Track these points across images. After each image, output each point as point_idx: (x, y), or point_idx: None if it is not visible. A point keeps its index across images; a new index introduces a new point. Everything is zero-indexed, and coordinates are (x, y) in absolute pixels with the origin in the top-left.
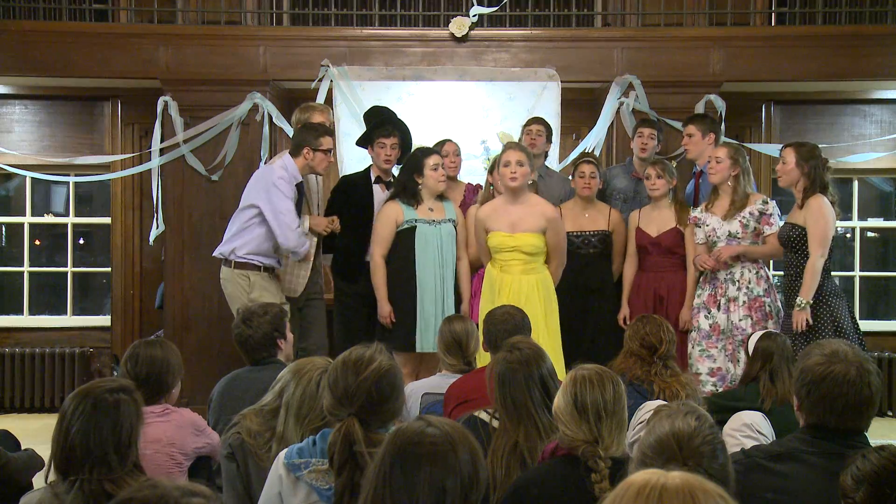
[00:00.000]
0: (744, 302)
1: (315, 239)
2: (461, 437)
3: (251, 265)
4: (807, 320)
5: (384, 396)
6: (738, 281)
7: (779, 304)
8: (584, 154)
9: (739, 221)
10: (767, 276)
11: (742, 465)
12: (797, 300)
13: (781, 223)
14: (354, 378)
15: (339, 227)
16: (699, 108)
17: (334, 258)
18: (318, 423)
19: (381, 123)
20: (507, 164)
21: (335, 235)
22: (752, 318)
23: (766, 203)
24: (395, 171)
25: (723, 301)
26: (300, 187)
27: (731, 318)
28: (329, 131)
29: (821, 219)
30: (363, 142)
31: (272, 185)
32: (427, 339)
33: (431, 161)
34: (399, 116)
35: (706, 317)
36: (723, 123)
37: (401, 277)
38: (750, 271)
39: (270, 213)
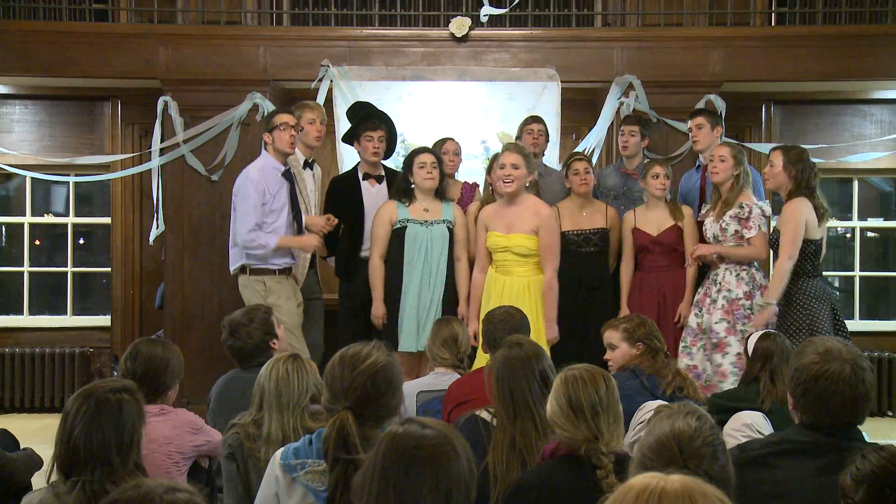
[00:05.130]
0: (722, 305)
1: (317, 235)
2: (455, 436)
3: (266, 270)
4: (781, 320)
5: (379, 391)
6: (720, 283)
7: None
8: (573, 153)
9: (720, 225)
10: (754, 278)
11: (738, 459)
12: (757, 300)
13: (773, 223)
14: (350, 372)
15: (334, 224)
16: (700, 107)
17: (335, 259)
18: (300, 408)
19: (366, 117)
20: (502, 166)
21: (335, 237)
22: (727, 321)
23: (742, 207)
24: (391, 164)
25: (708, 302)
26: (288, 176)
27: (711, 320)
28: (286, 109)
29: (790, 221)
30: (349, 137)
31: (240, 188)
32: (409, 339)
33: (418, 160)
34: (385, 112)
35: (696, 315)
36: (723, 123)
37: (390, 277)
38: (731, 273)
39: (233, 211)
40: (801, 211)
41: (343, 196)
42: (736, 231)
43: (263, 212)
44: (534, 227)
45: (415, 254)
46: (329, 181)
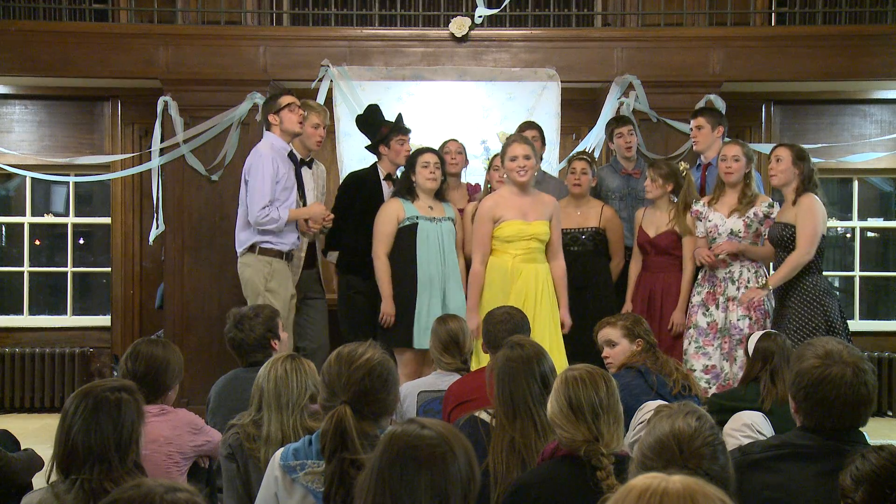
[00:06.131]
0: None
1: (307, 239)
2: (455, 437)
3: (274, 251)
4: (798, 318)
5: (376, 387)
6: (738, 280)
7: (772, 302)
8: (579, 152)
9: (744, 221)
10: (766, 276)
11: (738, 462)
12: (761, 280)
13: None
14: (347, 368)
15: (331, 221)
16: (702, 107)
17: (341, 255)
18: (299, 408)
19: (398, 122)
20: (514, 158)
21: (339, 232)
22: (750, 318)
23: (772, 206)
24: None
25: (721, 300)
26: (293, 157)
27: (730, 318)
28: (285, 91)
29: (812, 216)
30: (375, 145)
31: (252, 164)
32: (427, 336)
33: (422, 159)
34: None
35: (704, 314)
36: (725, 122)
37: (402, 274)
38: (749, 271)
39: (247, 186)
40: (820, 206)
41: (362, 192)
42: (757, 229)
43: (277, 189)
44: (549, 216)
45: (429, 250)
46: (332, 178)
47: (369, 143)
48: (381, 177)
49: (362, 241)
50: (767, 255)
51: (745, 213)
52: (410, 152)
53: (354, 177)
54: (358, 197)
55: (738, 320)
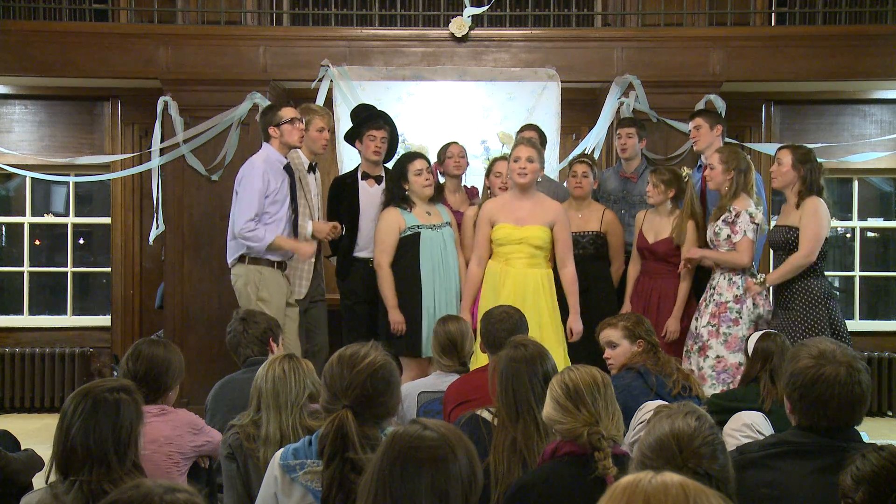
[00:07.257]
0: (711, 310)
1: (316, 243)
2: (457, 438)
3: (264, 261)
4: (804, 321)
5: (378, 390)
6: (714, 287)
7: (760, 310)
8: (580, 154)
9: (713, 229)
10: (754, 276)
11: (736, 461)
12: (759, 276)
13: (773, 225)
14: (350, 371)
15: (339, 232)
16: (699, 108)
17: (337, 259)
18: (298, 407)
19: (370, 117)
20: (517, 159)
21: (339, 236)
22: (712, 325)
23: (730, 211)
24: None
25: (703, 306)
26: (289, 170)
27: (699, 324)
28: (286, 102)
29: (816, 220)
30: (351, 136)
31: (244, 176)
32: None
33: (415, 166)
34: (390, 115)
35: (695, 318)
36: (724, 122)
37: (406, 283)
38: (724, 278)
39: (235, 199)
40: (825, 209)
41: (342, 195)
42: (728, 236)
43: (266, 203)
44: (549, 221)
45: (432, 258)
46: (330, 182)
47: (346, 134)
48: (360, 176)
49: (346, 242)
50: (727, 261)
51: (716, 221)
52: (379, 149)
53: (335, 182)
54: (340, 201)
55: (703, 327)
